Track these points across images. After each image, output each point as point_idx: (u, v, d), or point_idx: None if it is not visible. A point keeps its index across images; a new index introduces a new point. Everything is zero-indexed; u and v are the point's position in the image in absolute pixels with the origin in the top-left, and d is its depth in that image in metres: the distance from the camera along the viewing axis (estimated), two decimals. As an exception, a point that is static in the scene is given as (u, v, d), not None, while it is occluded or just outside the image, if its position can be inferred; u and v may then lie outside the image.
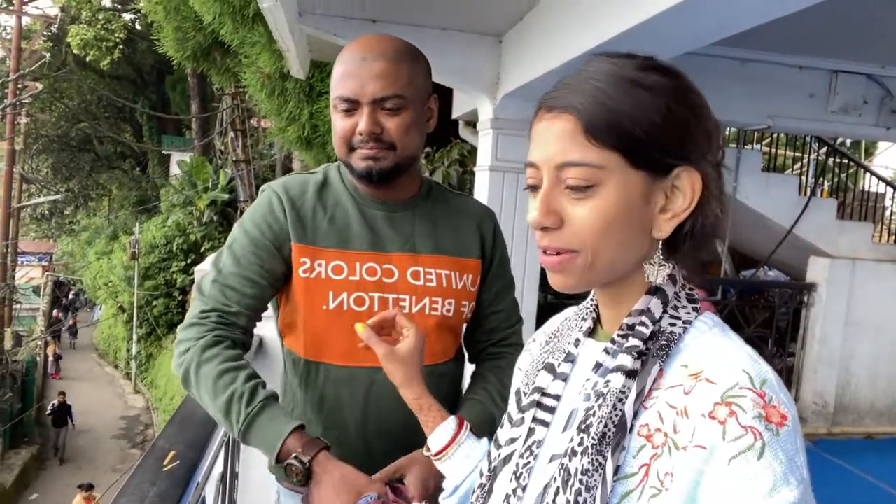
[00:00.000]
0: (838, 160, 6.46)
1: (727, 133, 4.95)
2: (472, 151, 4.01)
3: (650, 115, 0.61)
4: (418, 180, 1.26)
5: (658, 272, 0.65)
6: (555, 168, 0.63)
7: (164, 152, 20.32)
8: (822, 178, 6.26)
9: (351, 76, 1.10)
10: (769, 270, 5.39)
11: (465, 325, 1.30)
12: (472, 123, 4.00)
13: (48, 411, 12.95)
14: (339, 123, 1.14)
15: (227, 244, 1.18)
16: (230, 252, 1.16)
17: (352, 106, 1.11)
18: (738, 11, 1.63)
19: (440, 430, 0.90)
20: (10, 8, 10.57)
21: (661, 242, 0.65)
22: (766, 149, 6.27)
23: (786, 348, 4.46)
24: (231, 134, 12.87)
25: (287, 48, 3.21)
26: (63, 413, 12.73)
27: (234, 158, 13.06)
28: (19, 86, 9.13)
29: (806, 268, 4.24)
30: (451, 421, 0.91)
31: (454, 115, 4.14)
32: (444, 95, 4.75)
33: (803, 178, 5.86)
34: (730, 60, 3.63)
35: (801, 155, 7.12)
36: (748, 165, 4.21)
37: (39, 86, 10.56)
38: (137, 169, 22.90)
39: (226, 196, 13.50)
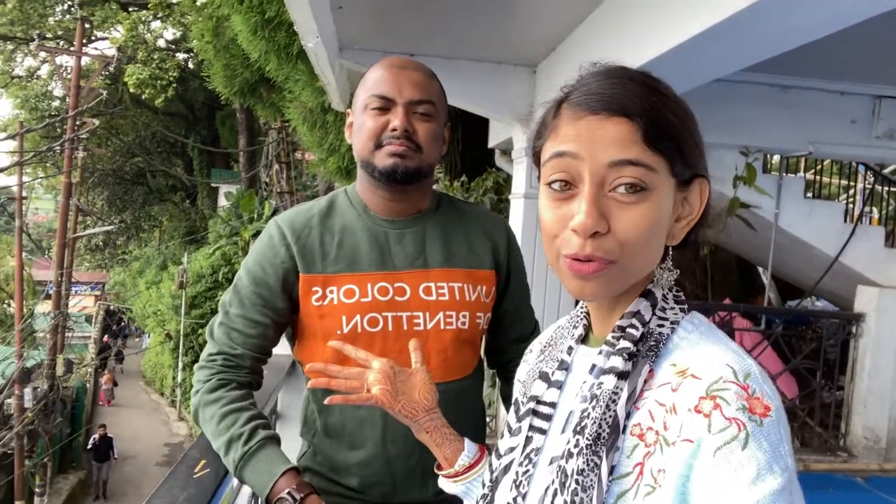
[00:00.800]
0: (889, 188, 6.28)
1: (769, 160, 4.87)
2: (508, 180, 4.05)
3: (691, 127, 0.65)
4: (429, 197, 1.28)
5: (667, 276, 0.68)
6: (606, 166, 0.62)
7: (213, 185, 20.99)
8: (870, 206, 6.08)
9: (388, 79, 1.16)
10: (816, 300, 5.22)
11: (482, 337, 1.31)
12: (507, 152, 4.05)
13: (89, 445, 12.46)
14: (369, 121, 1.16)
15: (234, 284, 1.22)
16: (235, 293, 1.20)
17: (386, 104, 1.14)
18: (766, 38, 1.65)
19: (462, 458, 0.90)
20: (71, 49, 11.19)
21: (670, 248, 0.67)
22: (812, 177, 6.14)
23: (835, 381, 4.30)
24: (276, 166, 13.24)
25: (328, 82, 3.33)
26: (105, 447, 12.27)
27: (278, 190, 13.41)
28: (77, 122, 9.64)
29: (854, 297, 4.11)
30: (471, 449, 0.90)
31: (490, 144, 4.20)
32: (480, 125, 4.83)
33: (850, 205, 5.70)
34: (769, 87, 3.60)
35: (849, 183, 6.95)
36: (790, 192, 4.13)
37: (96, 122, 11.11)
38: (187, 201, 23.69)
39: (270, 227, 13.81)
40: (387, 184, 1.18)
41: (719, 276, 4.83)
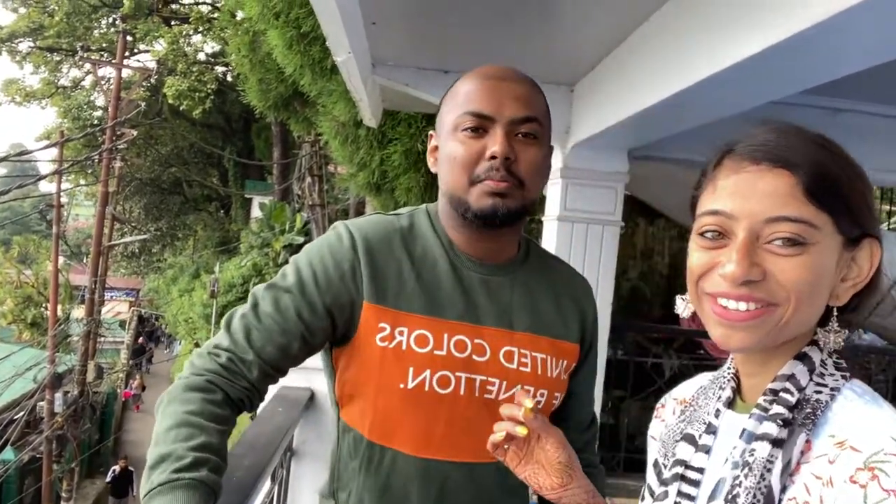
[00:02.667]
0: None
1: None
2: (541, 202, 3.95)
3: (859, 184, 0.63)
4: (518, 240, 1.08)
5: (834, 339, 0.63)
6: (763, 222, 0.61)
7: (247, 196, 21.27)
8: (922, 235, 5.79)
9: (485, 93, 0.96)
10: (864, 334, 4.98)
11: None
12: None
13: (108, 478, 11.37)
14: (461, 147, 0.95)
15: (275, 280, 0.99)
16: (273, 290, 0.97)
17: (482, 125, 0.95)
18: (825, 62, 1.52)
19: None
20: (113, 61, 11.47)
21: (835, 309, 0.63)
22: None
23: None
24: (308, 179, 13.34)
25: (360, 98, 3.27)
26: (125, 481, 11.04)
27: (310, 203, 13.49)
28: (117, 132, 9.84)
29: (906, 332, 3.88)
30: None
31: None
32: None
33: (901, 233, 5.44)
34: (821, 110, 3.44)
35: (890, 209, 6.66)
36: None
37: (134, 132, 11.34)
38: (221, 211, 24.07)
39: (301, 239, 13.90)
40: (482, 227, 0.98)
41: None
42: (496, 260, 1.04)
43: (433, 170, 1.06)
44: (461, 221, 1.00)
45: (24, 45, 17.90)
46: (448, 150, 0.98)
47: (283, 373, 0.99)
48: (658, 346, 3.61)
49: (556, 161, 3.02)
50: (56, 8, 17.35)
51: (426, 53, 2.80)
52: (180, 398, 0.88)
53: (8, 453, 9.14)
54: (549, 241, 3.05)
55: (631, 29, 2.25)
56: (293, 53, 4.45)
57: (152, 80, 16.91)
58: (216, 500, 0.82)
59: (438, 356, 0.96)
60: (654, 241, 4.64)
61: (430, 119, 4.52)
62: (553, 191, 3.09)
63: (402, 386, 0.95)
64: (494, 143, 0.94)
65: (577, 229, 2.98)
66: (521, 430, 0.81)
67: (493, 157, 0.94)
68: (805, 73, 1.65)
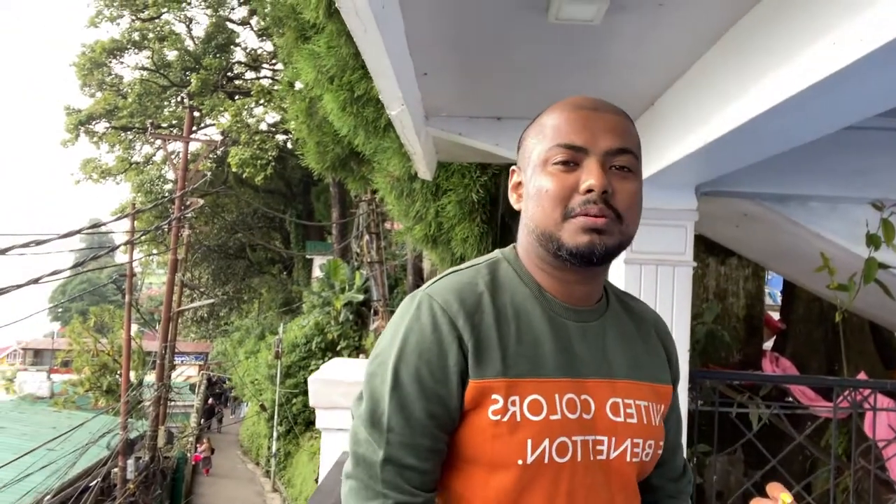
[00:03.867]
0: None
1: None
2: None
3: None
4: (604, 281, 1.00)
5: None
6: None
7: (308, 257, 21.80)
8: None
9: (577, 124, 0.89)
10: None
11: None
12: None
13: None
14: (553, 181, 0.87)
15: (390, 393, 0.86)
16: (397, 405, 0.86)
17: (574, 157, 0.87)
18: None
19: None
20: (180, 135, 12.12)
21: None
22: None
23: None
24: (366, 237, 13.55)
25: (414, 151, 3.27)
26: None
27: (368, 260, 13.66)
28: (185, 202, 10.33)
29: None
30: None
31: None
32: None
33: None
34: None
35: None
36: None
37: (201, 201, 11.85)
38: (284, 273, 24.72)
39: (360, 297, 14.04)
40: (575, 266, 0.89)
41: (853, 346, 4.30)
42: (588, 303, 0.95)
43: (516, 207, 0.97)
44: (551, 261, 0.92)
45: (101, 126, 19.20)
46: (537, 184, 0.90)
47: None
48: (742, 395, 3.35)
49: (619, 202, 2.91)
50: (129, 90, 18.61)
51: (478, 101, 2.78)
52: None
53: (84, 520, 9.30)
54: (617, 285, 2.91)
55: (690, 62, 2.16)
56: (347, 115, 4.56)
57: (218, 152, 17.78)
58: None
59: (555, 421, 0.86)
60: (727, 282, 4.41)
61: (483, 168, 4.51)
62: (617, 233, 2.96)
63: (520, 462, 0.84)
64: (590, 176, 0.86)
65: (646, 272, 2.84)
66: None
67: (588, 191, 0.86)
68: (886, 94, 1.51)
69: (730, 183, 2.96)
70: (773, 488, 0.77)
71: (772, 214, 3.01)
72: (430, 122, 2.84)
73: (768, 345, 4.76)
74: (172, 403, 13.59)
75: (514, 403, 0.85)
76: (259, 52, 20.88)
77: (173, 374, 12.95)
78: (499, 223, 4.54)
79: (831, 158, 2.81)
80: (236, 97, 18.69)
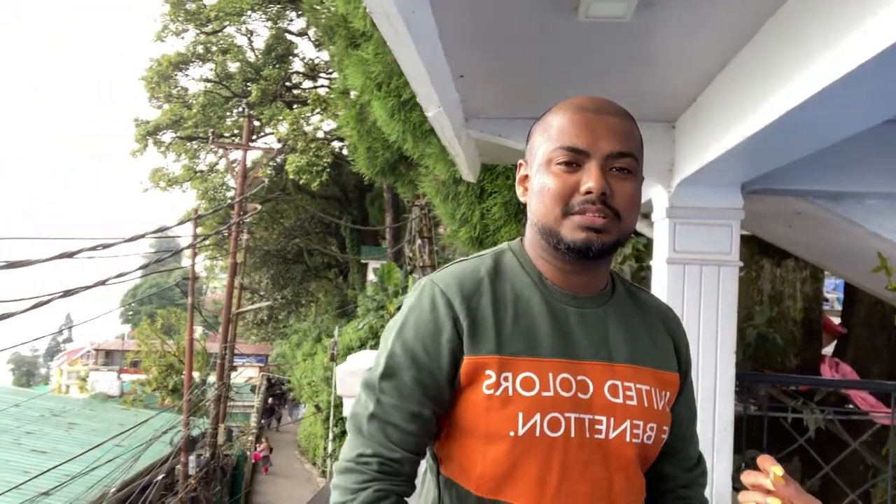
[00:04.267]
0: None
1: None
2: (648, 245, 3.76)
3: None
4: (608, 272, 1.06)
5: None
6: None
7: (363, 261, 22.13)
8: None
9: (580, 126, 0.94)
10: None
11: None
12: (647, 215, 3.78)
13: None
14: (555, 181, 0.93)
15: (385, 363, 0.96)
16: (390, 376, 0.95)
17: (576, 159, 0.93)
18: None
19: None
20: (239, 144, 12.57)
21: None
22: None
23: None
24: (418, 241, 13.68)
25: (456, 153, 3.31)
26: None
27: (420, 264, 13.78)
28: (244, 208, 10.70)
29: None
30: None
31: (630, 209, 3.94)
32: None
33: None
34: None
35: None
36: None
37: (258, 207, 12.25)
38: (340, 277, 25.17)
39: (413, 300, 14.15)
40: (571, 260, 0.96)
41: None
42: (589, 292, 1.01)
43: (522, 199, 1.05)
44: (552, 252, 0.99)
45: (168, 136, 20.05)
46: (540, 182, 0.97)
47: (425, 452, 1.01)
48: (796, 400, 3.24)
49: (662, 201, 2.87)
50: (193, 101, 19.38)
51: (518, 102, 2.79)
52: None
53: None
54: (659, 286, 2.87)
55: (728, 57, 2.12)
56: (395, 120, 4.65)
57: (277, 160, 18.31)
58: None
59: (547, 398, 0.92)
60: (783, 285, 4.26)
61: (529, 171, 4.50)
62: (660, 232, 2.92)
63: (511, 434, 0.90)
64: (590, 179, 0.92)
65: (689, 272, 2.78)
66: (774, 502, 0.73)
67: (588, 192, 0.92)
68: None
69: (780, 180, 2.88)
70: (764, 460, 0.77)
71: (825, 213, 2.90)
72: (469, 124, 2.88)
73: (829, 350, 4.58)
74: (233, 403, 14.04)
75: (506, 379, 0.92)
76: (316, 61, 21.38)
77: (234, 375, 13.39)
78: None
79: (888, 154, 2.69)
80: (294, 106, 19.19)
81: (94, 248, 4.94)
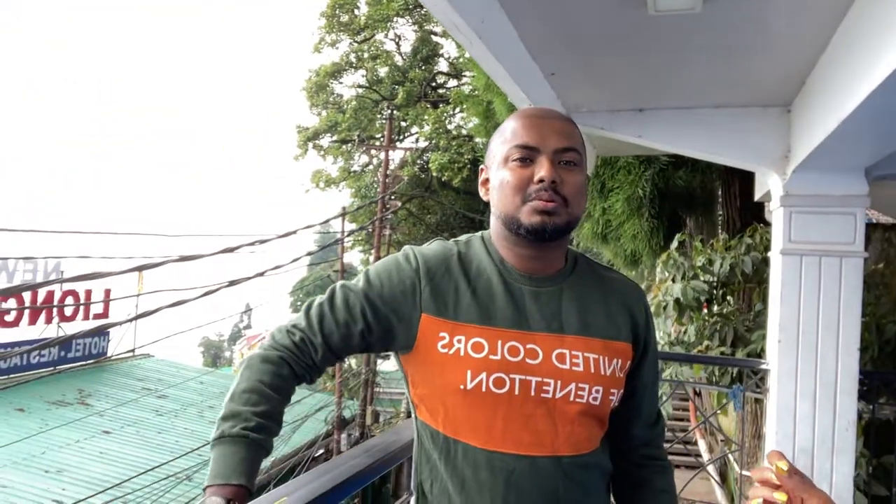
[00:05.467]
0: None
1: None
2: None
3: None
4: (565, 253, 1.19)
5: None
6: None
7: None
8: None
9: (530, 128, 1.10)
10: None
11: (609, 415, 1.17)
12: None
13: None
14: (512, 174, 1.09)
15: (351, 282, 1.16)
16: (347, 290, 1.14)
17: (529, 155, 1.08)
18: None
19: None
20: (383, 145, 13.26)
21: None
22: None
23: None
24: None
25: (564, 147, 3.37)
26: None
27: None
28: (387, 205, 11.32)
29: None
30: None
31: (756, 197, 3.74)
32: (745, 177, 4.34)
33: None
34: None
35: None
36: None
37: (399, 203, 12.86)
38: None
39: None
40: (531, 242, 1.11)
41: None
42: (545, 272, 1.15)
43: (485, 198, 1.20)
44: (513, 239, 1.13)
45: (325, 141, 21.61)
46: (500, 177, 1.12)
47: (342, 358, 1.18)
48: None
49: (777, 189, 2.73)
50: (346, 106, 20.70)
51: (618, 95, 2.80)
52: (256, 367, 1.08)
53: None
54: (774, 278, 2.74)
55: (830, 32, 2.01)
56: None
57: (424, 158, 19.05)
58: (267, 456, 1.04)
59: (493, 360, 1.06)
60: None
61: (649, 163, 4.40)
62: (776, 222, 2.79)
63: (461, 387, 1.06)
64: (542, 169, 1.07)
65: (807, 263, 2.64)
66: (780, 497, 0.75)
67: (541, 181, 1.07)
68: None
69: (917, 163, 2.63)
70: (772, 456, 0.79)
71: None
72: (571, 117, 2.92)
73: None
74: (380, 390, 14.87)
75: (459, 341, 1.08)
76: (461, 60, 21.89)
77: (380, 363, 14.17)
78: (668, 217, 4.40)
79: None
80: (439, 106, 19.83)
81: (252, 244, 5.56)
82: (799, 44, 2.14)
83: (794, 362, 2.60)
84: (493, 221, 1.18)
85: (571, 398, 1.08)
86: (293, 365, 1.11)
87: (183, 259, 4.40)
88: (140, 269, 4.08)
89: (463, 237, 1.23)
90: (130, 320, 5.09)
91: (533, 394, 1.06)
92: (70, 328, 11.95)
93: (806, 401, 2.57)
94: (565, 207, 1.07)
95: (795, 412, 2.58)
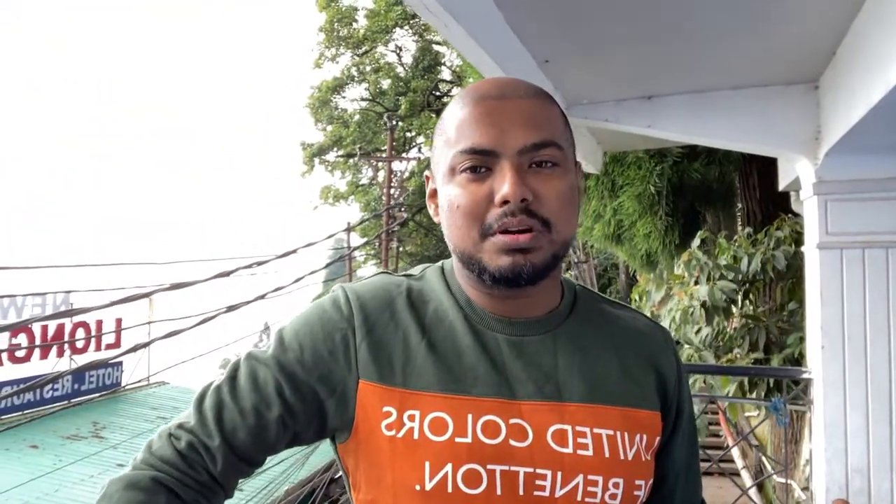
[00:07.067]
0: None
1: None
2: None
3: None
4: (559, 287, 0.84)
5: None
6: None
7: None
8: None
9: (480, 120, 0.74)
10: None
11: None
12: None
13: None
14: (462, 195, 0.73)
15: (257, 350, 0.81)
16: (253, 361, 0.79)
17: (484, 162, 0.73)
18: None
19: None
20: (384, 157, 13.08)
21: None
22: None
23: None
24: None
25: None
26: None
27: (575, 260, 13.39)
28: (393, 216, 11.11)
29: None
30: None
31: (781, 187, 3.44)
32: (765, 166, 4.04)
33: None
34: None
35: None
36: None
37: (405, 215, 12.65)
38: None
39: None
40: (507, 288, 0.76)
41: None
42: (528, 315, 0.80)
43: (435, 220, 0.83)
44: (477, 281, 0.78)
45: (331, 156, 21.50)
46: (447, 197, 0.76)
47: (257, 465, 0.80)
48: None
49: (808, 175, 2.44)
50: (350, 120, 20.60)
51: (623, 82, 2.53)
52: (116, 496, 0.72)
53: None
54: (811, 274, 2.45)
55: (865, -8, 1.73)
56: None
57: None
58: None
59: (462, 444, 0.72)
60: None
61: (661, 157, 4.11)
62: (809, 212, 2.49)
63: (418, 487, 0.72)
64: (503, 184, 0.71)
65: (848, 257, 2.34)
66: None
67: (504, 202, 0.72)
68: None
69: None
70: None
71: None
72: (571, 110, 2.66)
73: None
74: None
75: (411, 419, 0.73)
76: (463, 67, 21.73)
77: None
78: (684, 214, 4.11)
79: None
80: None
81: (249, 266, 5.34)
82: (827, 8, 1.86)
83: (840, 370, 2.30)
84: (451, 252, 0.82)
85: (579, 497, 0.73)
86: (176, 489, 0.74)
87: (174, 287, 4.18)
88: (125, 301, 3.87)
89: (416, 269, 0.88)
90: (126, 352, 4.88)
91: (522, 493, 0.72)
92: (82, 360, 11.83)
93: (857, 413, 2.27)
94: (547, 234, 0.73)
95: (846, 427, 2.28)
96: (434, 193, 0.83)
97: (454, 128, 0.76)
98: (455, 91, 21.87)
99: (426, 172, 0.85)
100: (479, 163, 0.73)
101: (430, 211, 0.85)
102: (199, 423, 0.77)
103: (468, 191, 0.73)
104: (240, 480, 0.80)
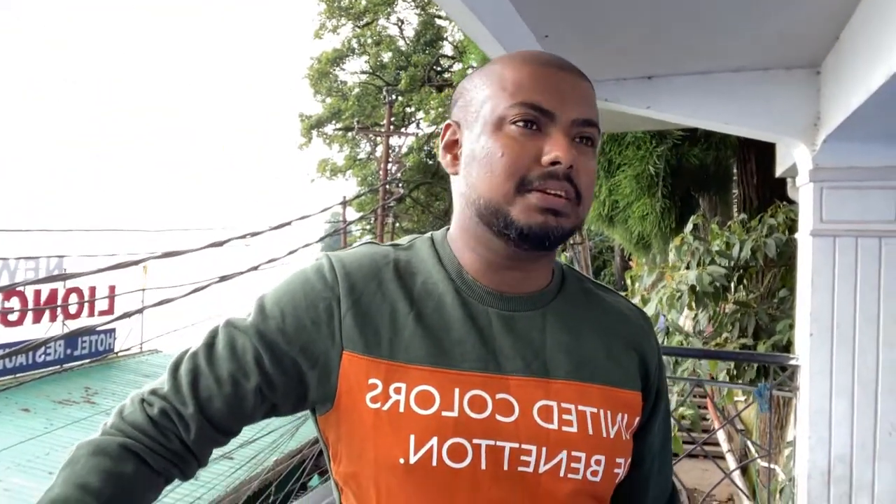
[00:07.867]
0: None
1: None
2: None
3: None
4: (552, 265, 0.84)
5: None
6: None
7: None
8: None
9: (545, 82, 0.74)
10: None
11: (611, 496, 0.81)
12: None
13: None
14: (511, 144, 0.73)
15: (236, 316, 0.79)
16: (231, 328, 0.77)
17: (538, 120, 0.73)
18: None
19: None
20: (382, 132, 12.99)
21: None
22: None
23: None
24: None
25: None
26: None
27: (570, 241, 13.39)
28: (390, 192, 11.08)
29: None
30: None
31: (778, 173, 3.42)
32: (763, 152, 4.02)
33: None
34: None
35: None
36: None
37: (402, 191, 12.61)
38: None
39: (565, 279, 13.83)
40: (520, 250, 0.76)
41: None
42: (521, 291, 0.80)
43: (449, 171, 0.81)
44: (487, 239, 0.77)
45: (329, 129, 21.33)
46: (488, 146, 0.74)
47: (232, 434, 0.78)
48: None
49: (805, 162, 2.43)
50: (350, 93, 20.41)
51: (624, 61, 2.50)
52: (83, 461, 0.70)
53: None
54: (804, 263, 2.44)
55: (874, -28, 1.70)
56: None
57: (430, 144, 18.73)
58: None
59: (448, 418, 0.71)
60: None
61: (661, 138, 4.08)
62: (804, 199, 2.48)
63: (402, 461, 0.70)
64: (557, 147, 0.72)
65: (841, 245, 2.33)
66: None
67: (554, 163, 0.72)
68: None
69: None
70: None
71: None
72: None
73: None
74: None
75: (397, 391, 0.72)
76: (465, 42, 21.48)
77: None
78: (681, 197, 4.10)
79: None
80: (444, 90, 19.46)
81: (242, 237, 5.31)
82: (832, -9, 1.83)
83: (828, 357, 2.31)
84: (462, 212, 0.80)
85: (562, 473, 0.73)
86: (145, 456, 0.72)
87: (166, 255, 4.16)
88: (116, 267, 3.85)
89: (404, 239, 0.87)
90: (118, 318, 4.87)
91: (507, 467, 0.72)
92: (75, 326, 11.85)
93: (842, 401, 2.28)
94: (576, 206, 0.74)
95: (831, 414, 2.29)
96: (453, 144, 0.81)
97: (512, 81, 0.75)
98: (456, 67, 21.65)
99: (448, 121, 0.83)
100: (535, 119, 0.73)
101: (444, 161, 0.83)
102: (172, 390, 0.75)
103: (518, 143, 0.73)
104: (228, 450, 0.78)
